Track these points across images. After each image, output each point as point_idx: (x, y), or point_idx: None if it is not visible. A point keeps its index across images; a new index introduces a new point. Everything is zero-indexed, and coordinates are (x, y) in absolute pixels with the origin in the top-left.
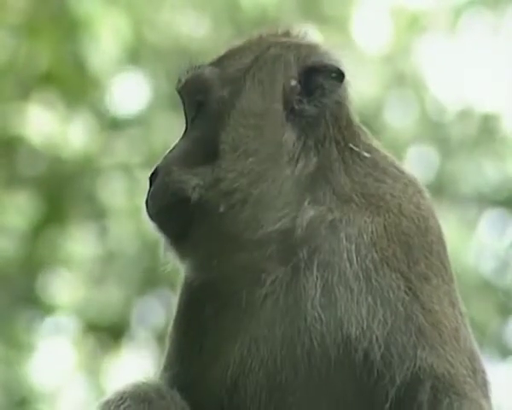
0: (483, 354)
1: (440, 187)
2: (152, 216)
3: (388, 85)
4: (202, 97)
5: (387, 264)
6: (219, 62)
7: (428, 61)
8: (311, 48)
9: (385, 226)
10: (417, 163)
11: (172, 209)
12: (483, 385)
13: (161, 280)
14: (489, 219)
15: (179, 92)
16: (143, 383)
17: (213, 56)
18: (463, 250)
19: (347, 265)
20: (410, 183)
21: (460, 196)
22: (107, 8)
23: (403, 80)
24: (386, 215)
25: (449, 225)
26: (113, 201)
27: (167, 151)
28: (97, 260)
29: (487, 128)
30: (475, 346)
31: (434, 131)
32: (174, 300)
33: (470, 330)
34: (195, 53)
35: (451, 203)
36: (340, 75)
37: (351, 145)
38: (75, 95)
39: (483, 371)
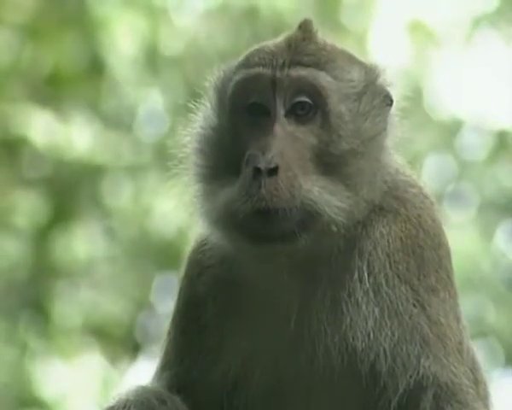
0: (498, 361)
1: (457, 197)
2: (265, 210)
3: (404, 97)
4: (313, 103)
5: (398, 276)
6: (326, 68)
7: (444, 73)
8: (385, 75)
9: (401, 239)
10: (434, 173)
11: (294, 215)
12: (484, 397)
13: (169, 282)
14: (505, 229)
15: (262, 81)
16: (144, 389)
17: (232, 61)
18: (480, 259)
19: (357, 284)
20: (426, 196)
21: (476, 206)
22: (124, 11)
23: (419, 92)
24: (404, 225)
25: (465, 234)
26: (119, 203)
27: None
28: (103, 262)
29: (503, 141)
30: (478, 358)
31: (451, 141)
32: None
33: (472, 343)
34: (213, 58)
35: (468, 213)
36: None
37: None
38: (82, 97)
39: (484, 383)
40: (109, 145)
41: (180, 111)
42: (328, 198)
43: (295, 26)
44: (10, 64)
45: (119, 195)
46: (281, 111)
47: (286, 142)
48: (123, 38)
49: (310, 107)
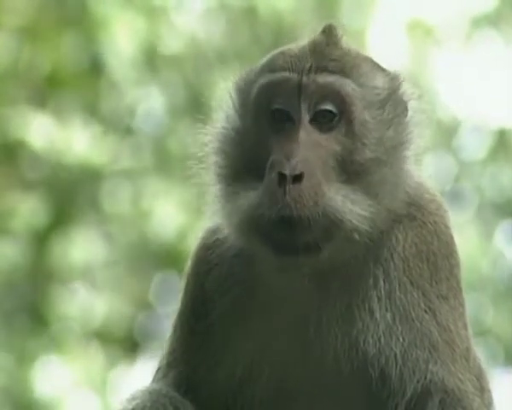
0: (497, 360)
1: (456, 197)
2: (290, 217)
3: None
4: (338, 110)
5: (411, 282)
6: (352, 75)
7: (444, 73)
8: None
9: (417, 244)
10: (433, 173)
11: (317, 224)
12: (489, 404)
13: (169, 282)
14: (505, 229)
15: (288, 85)
16: (159, 394)
17: (231, 62)
18: (480, 260)
19: (372, 291)
20: (440, 203)
21: (475, 206)
22: (123, 11)
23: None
24: (420, 230)
25: (465, 234)
26: (118, 207)
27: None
28: (102, 266)
29: (502, 140)
30: (484, 366)
31: (450, 142)
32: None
33: (478, 350)
34: (212, 58)
35: (467, 213)
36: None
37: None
38: (81, 98)
39: (489, 391)
40: (108, 148)
41: (179, 112)
42: (350, 207)
43: (319, 30)
44: (8, 66)
45: (118, 198)
46: (305, 117)
47: (310, 149)
48: (122, 38)
49: (334, 115)
